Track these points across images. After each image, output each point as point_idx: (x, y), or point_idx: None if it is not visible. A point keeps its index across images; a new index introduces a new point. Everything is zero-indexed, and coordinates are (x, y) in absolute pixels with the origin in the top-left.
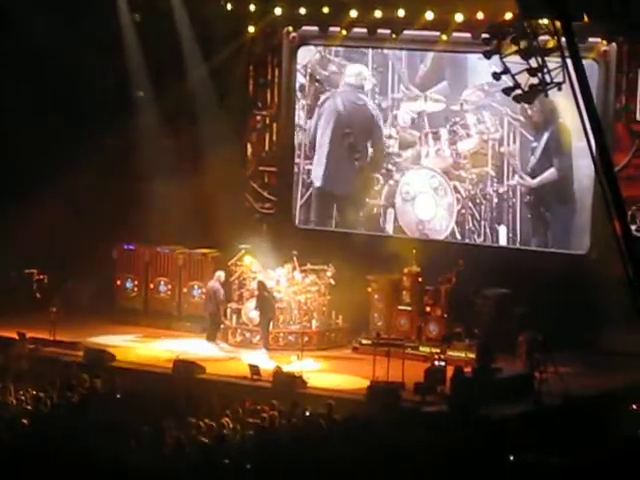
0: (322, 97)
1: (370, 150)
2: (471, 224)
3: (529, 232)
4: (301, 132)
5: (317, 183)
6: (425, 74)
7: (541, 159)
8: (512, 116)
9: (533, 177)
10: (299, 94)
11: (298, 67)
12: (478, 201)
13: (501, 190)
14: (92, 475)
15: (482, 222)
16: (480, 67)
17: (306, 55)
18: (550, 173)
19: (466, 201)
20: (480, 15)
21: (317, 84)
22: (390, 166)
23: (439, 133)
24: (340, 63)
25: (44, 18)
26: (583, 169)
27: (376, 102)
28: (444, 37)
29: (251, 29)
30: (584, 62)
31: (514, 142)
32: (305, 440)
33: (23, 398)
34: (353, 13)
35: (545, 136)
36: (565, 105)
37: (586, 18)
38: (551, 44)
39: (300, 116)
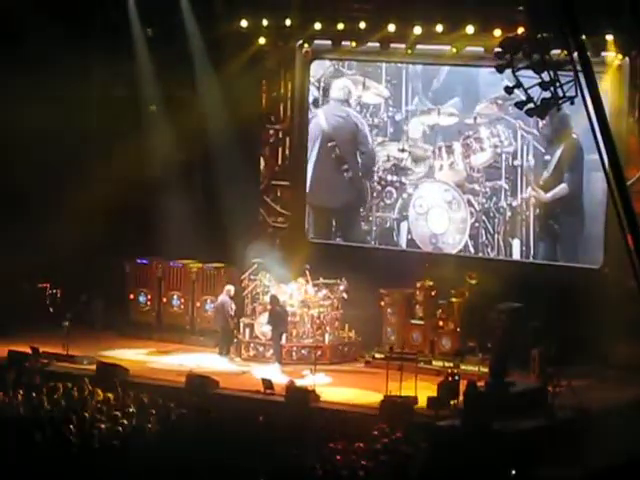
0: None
1: (360, 159)
2: (485, 238)
3: (541, 245)
4: None
5: (310, 200)
6: (438, 89)
7: (554, 174)
8: (525, 129)
9: (546, 191)
10: (313, 108)
11: (311, 80)
12: (492, 215)
13: (515, 204)
14: None
15: (496, 236)
16: (493, 81)
17: (319, 69)
18: (561, 188)
19: (480, 215)
20: (495, 31)
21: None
22: (403, 179)
23: (453, 147)
24: (354, 78)
25: (57, 31)
26: (596, 182)
27: (390, 114)
28: (456, 50)
29: (263, 42)
30: (597, 76)
31: (527, 155)
32: None
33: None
34: (366, 28)
35: (558, 151)
36: (577, 119)
37: (598, 32)
38: (563, 58)
39: None
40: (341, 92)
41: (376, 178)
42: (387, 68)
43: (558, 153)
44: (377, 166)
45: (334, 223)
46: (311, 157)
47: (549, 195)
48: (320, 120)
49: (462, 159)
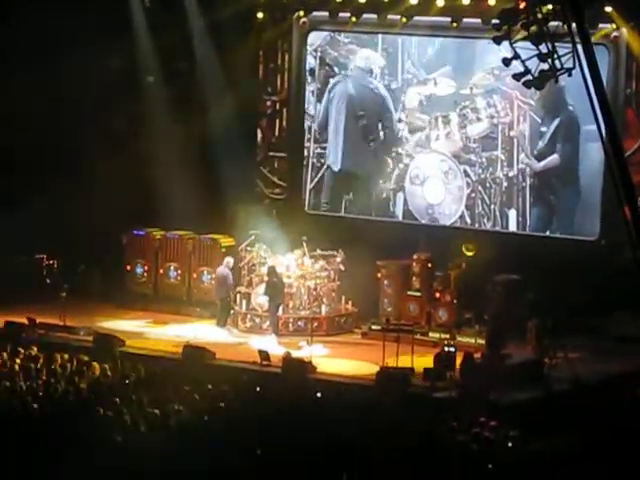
0: (332, 80)
1: (381, 133)
2: (481, 208)
3: (536, 216)
4: (310, 116)
5: (336, 167)
6: (433, 57)
7: (548, 144)
8: (522, 100)
9: (539, 160)
10: (309, 78)
11: (308, 49)
12: (488, 185)
13: (511, 174)
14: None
15: (492, 206)
16: (490, 51)
17: (316, 38)
18: (553, 159)
19: (476, 185)
20: (491, 1)
21: (327, 68)
22: (400, 150)
23: (449, 117)
24: (349, 47)
25: (52, 2)
26: (592, 153)
27: (385, 83)
28: (454, 24)
29: (260, 14)
30: (594, 47)
31: (524, 125)
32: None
33: (34, 384)
34: None
35: (555, 122)
36: (575, 90)
37: (597, 3)
38: (561, 29)
39: (310, 100)
40: (366, 62)
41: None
42: (383, 37)
43: (555, 124)
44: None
45: (350, 192)
46: (339, 121)
47: (540, 165)
48: (348, 85)
49: (458, 129)
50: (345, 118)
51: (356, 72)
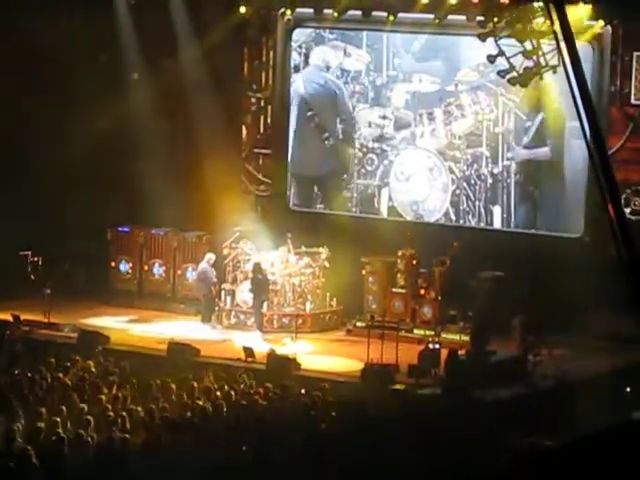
0: (290, 81)
1: (339, 127)
2: (466, 205)
3: (521, 212)
4: None
5: (292, 169)
6: (419, 54)
7: (534, 139)
8: (507, 96)
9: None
10: (294, 75)
11: (293, 45)
12: (473, 182)
13: (496, 171)
14: None
15: (477, 202)
16: (475, 48)
17: (301, 35)
18: (543, 151)
19: (461, 181)
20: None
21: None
22: (385, 146)
23: (434, 114)
24: (334, 43)
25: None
26: (577, 150)
27: (370, 79)
28: (439, 20)
29: (245, 10)
30: (579, 45)
31: (509, 122)
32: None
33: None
34: None
35: (538, 117)
36: (559, 86)
37: (581, 0)
38: (545, 27)
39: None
40: (321, 59)
41: (357, 145)
42: (368, 34)
43: (538, 120)
44: (358, 133)
45: (316, 190)
46: (291, 125)
47: (526, 152)
48: (298, 86)
49: (443, 126)
50: (296, 121)
51: (309, 69)
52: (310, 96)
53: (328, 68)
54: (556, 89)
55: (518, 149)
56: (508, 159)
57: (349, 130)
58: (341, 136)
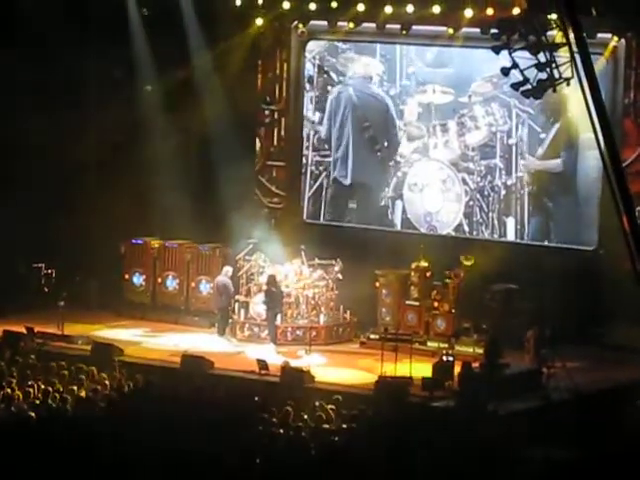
0: (333, 89)
1: (385, 141)
2: (479, 216)
3: (534, 224)
4: (309, 124)
5: (346, 181)
6: (432, 65)
7: (547, 151)
8: (520, 108)
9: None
10: (308, 86)
11: (307, 56)
12: (486, 193)
13: (509, 182)
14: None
15: (490, 214)
16: (489, 59)
17: (315, 45)
18: (556, 163)
19: (474, 193)
20: (489, 11)
21: (325, 75)
22: (398, 158)
23: (447, 125)
24: (348, 54)
25: (55, 12)
26: (590, 161)
27: (384, 89)
28: (452, 32)
29: (259, 23)
30: (593, 57)
31: (522, 134)
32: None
33: (31, 392)
34: (361, 8)
35: (553, 130)
36: (574, 98)
37: (595, 13)
38: (559, 39)
39: (309, 108)
40: (366, 69)
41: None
42: (382, 45)
43: (553, 131)
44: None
45: (355, 203)
46: (344, 132)
47: (538, 162)
48: (350, 94)
49: (457, 137)
50: (352, 130)
51: (357, 80)
52: (364, 107)
53: (372, 79)
54: (571, 101)
55: (531, 160)
56: (522, 171)
57: (394, 146)
58: (387, 149)
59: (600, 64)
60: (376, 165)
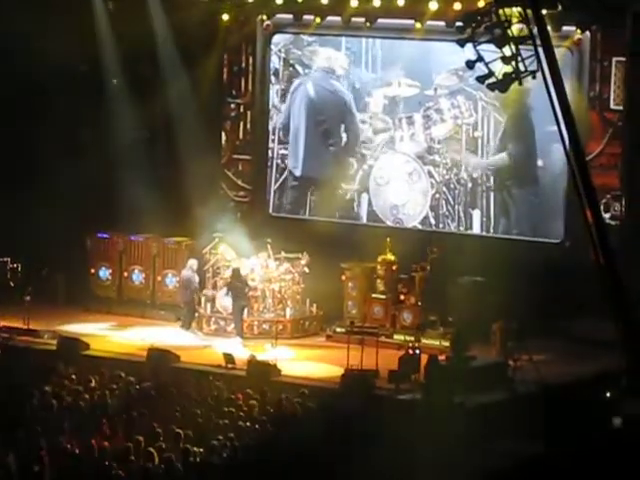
0: (295, 81)
1: (344, 135)
2: (445, 209)
3: (500, 217)
4: (275, 117)
5: (297, 172)
6: (397, 57)
7: (499, 144)
8: (486, 100)
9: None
10: (273, 79)
11: (273, 49)
12: (452, 186)
13: (475, 175)
14: None
15: (456, 207)
16: (454, 52)
17: (281, 38)
18: (501, 158)
19: (440, 186)
20: (457, 5)
21: (291, 68)
22: (364, 151)
23: (413, 118)
24: (313, 46)
25: (16, 4)
26: (555, 154)
27: (349, 82)
28: (418, 25)
29: (225, 17)
30: (558, 50)
31: (488, 127)
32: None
33: None
34: (326, 1)
35: (503, 122)
36: (537, 91)
37: (560, 6)
38: (524, 32)
39: (274, 101)
40: (328, 62)
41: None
42: (347, 38)
43: (502, 125)
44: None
45: (310, 195)
46: (299, 125)
47: (484, 161)
48: (308, 87)
49: (422, 130)
50: (305, 123)
51: (318, 73)
52: (321, 101)
53: (334, 73)
54: (530, 93)
55: (477, 158)
56: (476, 170)
57: (353, 140)
58: (344, 144)
59: (561, 53)
60: (328, 159)
